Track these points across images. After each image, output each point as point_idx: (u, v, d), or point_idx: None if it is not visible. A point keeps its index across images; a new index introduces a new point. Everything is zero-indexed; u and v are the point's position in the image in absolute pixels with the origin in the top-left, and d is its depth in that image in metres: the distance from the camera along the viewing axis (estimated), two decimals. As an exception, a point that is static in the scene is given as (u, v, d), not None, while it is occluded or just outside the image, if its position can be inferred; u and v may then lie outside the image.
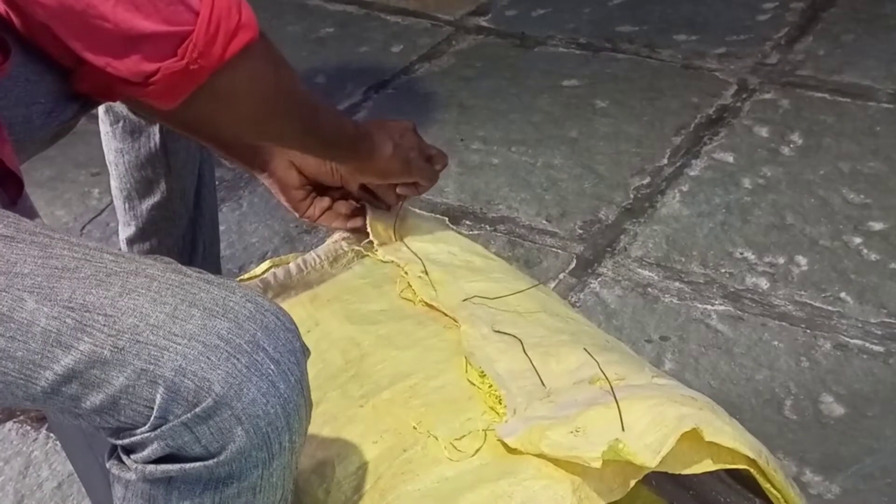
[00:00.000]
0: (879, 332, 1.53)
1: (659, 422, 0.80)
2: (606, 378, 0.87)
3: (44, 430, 1.48)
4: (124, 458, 0.76)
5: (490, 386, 0.90)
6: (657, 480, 0.96)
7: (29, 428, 1.49)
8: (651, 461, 0.77)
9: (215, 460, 0.72)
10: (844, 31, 2.36)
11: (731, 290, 1.64)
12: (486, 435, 0.85)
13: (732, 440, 0.81)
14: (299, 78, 0.98)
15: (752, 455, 0.82)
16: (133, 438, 0.73)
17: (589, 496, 0.78)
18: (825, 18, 2.43)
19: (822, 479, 1.30)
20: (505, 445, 0.83)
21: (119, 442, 0.75)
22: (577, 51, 2.42)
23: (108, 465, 0.78)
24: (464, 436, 0.85)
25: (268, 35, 0.90)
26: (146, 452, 0.73)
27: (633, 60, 2.35)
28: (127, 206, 1.41)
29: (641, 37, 2.44)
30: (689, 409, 0.82)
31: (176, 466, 0.73)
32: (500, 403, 0.87)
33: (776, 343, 1.53)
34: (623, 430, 0.79)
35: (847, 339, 1.52)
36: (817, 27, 2.40)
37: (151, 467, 0.74)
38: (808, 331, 1.55)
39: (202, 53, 0.82)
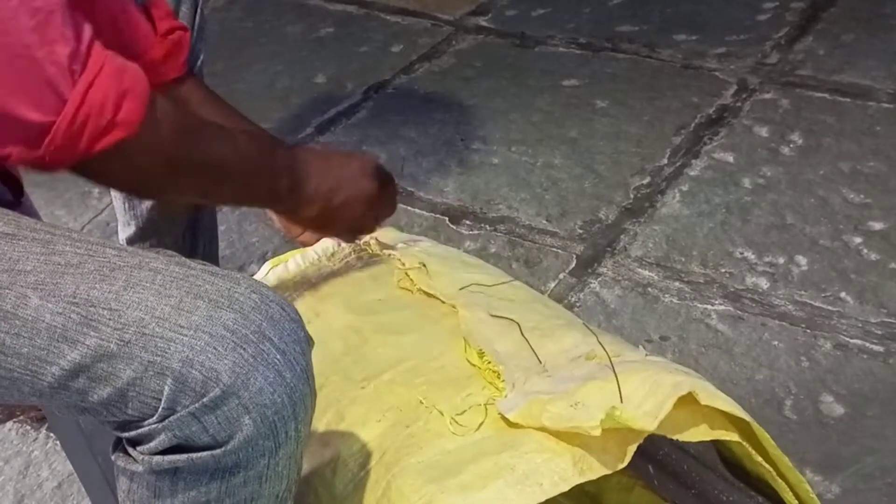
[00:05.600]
0: (879, 332, 1.53)
1: (655, 389, 0.81)
2: (606, 351, 0.88)
3: (44, 430, 1.48)
4: (130, 450, 0.76)
5: (489, 363, 0.91)
6: (659, 479, 0.96)
7: (29, 428, 1.49)
8: (650, 425, 0.78)
9: (223, 449, 0.73)
10: (844, 31, 2.36)
11: (731, 290, 1.64)
12: (486, 409, 0.86)
13: (727, 404, 0.83)
14: (217, 138, 0.90)
15: (746, 418, 0.83)
16: (140, 430, 0.74)
17: (591, 467, 0.79)
18: (825, 18, 2.43)
19: (822, 479, 1.30)
20: (506, 420, 0.84)
21: (125, 435, 0.76)
22: (577, 51, 2.42)
23: (112, 458, 0.78)
24: (465, 411, 0.87)
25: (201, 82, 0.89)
26: (153, 444, 0.74)
27: (633, 60, 2.35)
28: (126, 206, 1.41)
29: (641, 37, 2.44)
30: (683, 377, 0.84)
31: (183, 457, 0.73)
32: (499, 378, 0.89)
33: (776, 343, 1.53)
34: (621, 401, 0.80)
35: (847, 339, 1.52)
36: (817, 27, 2.40)
37: (159, 458, 0.74)
38: (808, 331, 1.55)
39: (60, 148, 0.77)
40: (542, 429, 0.81)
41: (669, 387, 0.81)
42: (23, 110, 0.75)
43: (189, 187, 0.91)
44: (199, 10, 1.25)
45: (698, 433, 0.83)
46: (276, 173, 0.96)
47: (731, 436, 0.84)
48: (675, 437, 0.82)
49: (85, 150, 0.77)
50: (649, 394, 0.81)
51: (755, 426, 0.84)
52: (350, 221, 1.03)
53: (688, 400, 0.80)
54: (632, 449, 0.80)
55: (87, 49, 0.76)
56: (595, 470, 0.79)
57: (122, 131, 0.78)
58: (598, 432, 0.77)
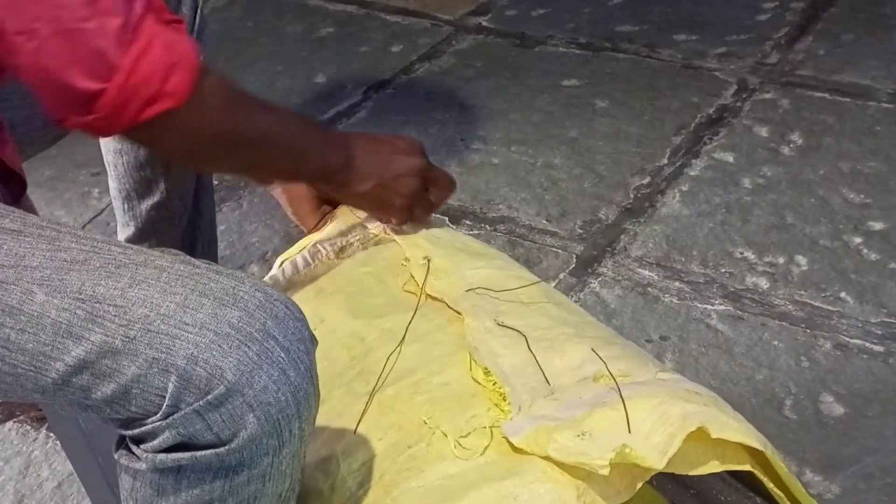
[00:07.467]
0: (879, 332, 1.53)
1: (664, 421, 0.79)
2: (612, 376, 0.87)
3: (44, 430, 1.48)
4: (134, 448, 0.76)
5: (494, 383, 0.90)
6: (658, 480, 0.96)
7: (29, 428, 1.49)
8: (659, 463, 0.77)
9: (226, 447, 0.73)
10: (844, 31, 2.36)
11: (731, 289, 1.64)
12: (492, 433, 0.85)
13: (738, 434, 0.81)
14: (263, 109, 0.93)
15: (758, 446, 0.82)
16: (144, 428, 0.74)
17: (594, 500, 0.78)
18: (825, 18, 2.43)
19: (822, 479, 1.30)
20: (510, 444, 0.83)
21: (129, 432, 0.76)
22: (577, 51, 2.42)
23: (115, 457, 0.78)
24: (469, 433, 0.85)
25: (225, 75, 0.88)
26: (157, 441, 0.74)
27: (633, 60, 2.35)
28: (126, 206, 1.41)
29: (641, 37, 2.44)
30: (693, 405, 0.82)
31: (187, 455, 0.73)
32: (505, 400, 0.87)
33: (776, 343, 1.53)
34: (629, 432, 0.79)
35: (847, 339, 1.52)
36: (817, 27, 2.40)
37: (162, 456, 0.74)
38: (808, 331, 1.55)
39: (110, 114, 0.80)
40: (548, 458, 0.80)
41: (679, 419, 0.80)
42: (77, 79, 0.78)
43: (238, 159, 0.94)
44: (199, 11, 1.25)
45: (707, 468, 0.81)
46: (327, 149, 0.99)
47: (743, 466, 0.83)
48: (683, 473, 0.81)
49: (133, 118, 0.80)
50: (657, 424, 0.79)
51: (769, 454, 0.83)
52: (405, 197, 1.04)
53: (698, 432, 0.79)
54: (638, 485, 0.79)
55: (138, 21, 0.78)
56: (598, 503, 0.79)
57: (170, 102, 0.80)
58: (606, 471, 0.76)
